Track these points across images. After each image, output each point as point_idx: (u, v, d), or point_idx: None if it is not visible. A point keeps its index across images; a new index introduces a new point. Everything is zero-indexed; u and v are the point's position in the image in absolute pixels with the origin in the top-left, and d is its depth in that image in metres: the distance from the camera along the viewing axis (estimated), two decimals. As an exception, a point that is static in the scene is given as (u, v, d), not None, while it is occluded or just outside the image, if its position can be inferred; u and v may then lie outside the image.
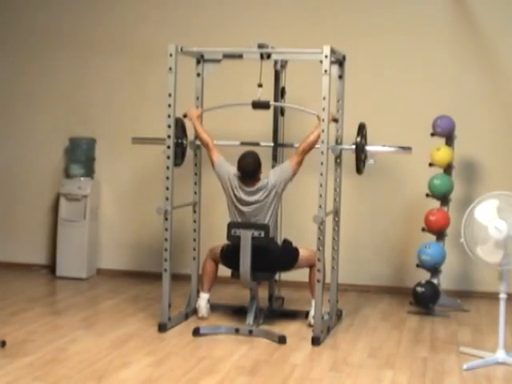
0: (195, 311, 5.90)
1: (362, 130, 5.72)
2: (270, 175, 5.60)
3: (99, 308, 6.38)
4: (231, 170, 5.61)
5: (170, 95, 5.50)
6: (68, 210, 7.36)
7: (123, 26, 7.44)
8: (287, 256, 5.65)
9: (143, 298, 6.50)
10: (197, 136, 5.81)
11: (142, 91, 7.37)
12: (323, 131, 5.30)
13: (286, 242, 5.73)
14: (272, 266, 5.63)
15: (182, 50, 5.56)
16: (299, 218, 6.44)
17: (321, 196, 5.31)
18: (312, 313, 5.51)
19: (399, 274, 6.94)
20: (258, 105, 5.72)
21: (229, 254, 5.63)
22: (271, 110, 6.01)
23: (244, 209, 5.55)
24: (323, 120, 5.30)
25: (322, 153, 5.30)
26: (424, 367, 4.84)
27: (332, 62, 5.42)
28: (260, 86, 5.69)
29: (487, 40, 6.79)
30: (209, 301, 5.85)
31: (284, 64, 6.03)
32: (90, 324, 5.72)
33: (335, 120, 5.70)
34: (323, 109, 5.29)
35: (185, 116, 5.79)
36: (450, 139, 6.41)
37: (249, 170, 5.54)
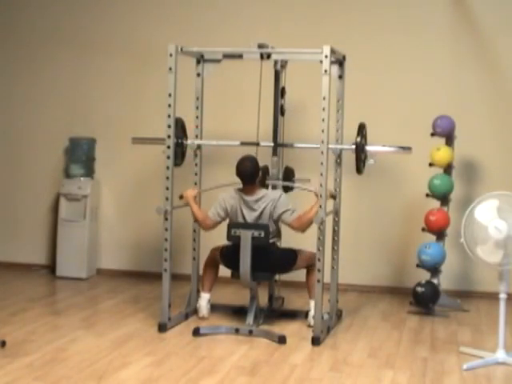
0: (195, 311, 5.90)
1: (362, 130, 5.72)
2: (273, 193, 5.61)
3: (99, 308, 6.38)
4: (226, 197, 5.62)
5: (170, 95, 5.50)
6: (68, 209, 7.36)
7: (123, 26, 7.44)
8: (286, 258, 5.66)
9: (143, 298, 6.51)
10: (193, 216, 5.74)
11: (142, 91, 7.37)
12: (323, 131, 5.29)
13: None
14: (271, 267, 5.64)
15: (182, 50, 5.56)
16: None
17: (321, 196, 5.31)
18: (312, 313, 5.52)
19: (399, 274, 6.94)
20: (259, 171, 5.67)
21: (229, 255, 5.63)
22: (271, 110, 6.01)
23: (246, 218, 5.57)
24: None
25: (322, 153, 5.30)
26: (424, 367, 4.84)
27: (332, 62, 5.42)
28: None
29: (487, 40, 6.79)
30: (209, 301, 5.86)
31: (284, 64, 6.02)
32: (90, 324, 5.72)
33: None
34: (323, 109, 5.29)
35: (181, 197, 5.74)
36: (450, 139, 6.41)
37: (248, 172, 5.55)
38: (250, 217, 5.57)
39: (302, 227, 5.51)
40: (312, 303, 5.51)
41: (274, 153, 6.12)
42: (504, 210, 4.85)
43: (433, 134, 6.36)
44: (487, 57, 6.82)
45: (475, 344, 5.33)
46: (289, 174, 6.04)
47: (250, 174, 5.55)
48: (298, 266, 5.70)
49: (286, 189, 5.98)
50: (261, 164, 5.73)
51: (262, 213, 5.55)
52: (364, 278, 7.01)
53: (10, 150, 7.74)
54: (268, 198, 5.56)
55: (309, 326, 5.57)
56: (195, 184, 5.94)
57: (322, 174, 5.28)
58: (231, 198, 5.62)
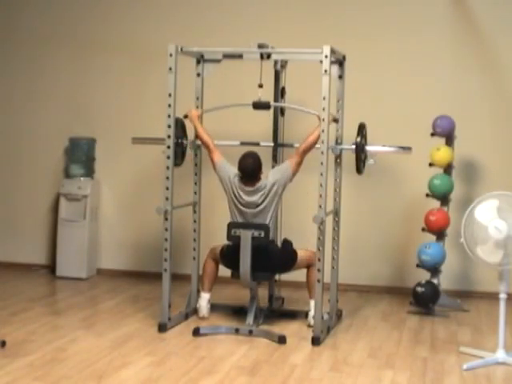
0: (195, 311, 5.90)
1: (362, 130, 5.72)
2: (270, 175, 5.60)
3: (99, 308, 6.38)
4: (232, 170, 5.60)
5: (169, 95, 5.50)
6: (68, 209, 7.36)
7: (123, 26, 7.44)
8: (286, 258, 5.66)
9: (143, 298, 6.51)
10: (197, 136, 5.81)
11: (142, 91, 7.37)
12: (323, 131, 5.31)
13: (286, 243, 5.73)
14: (271, 267, 5.64)
15: (182, 50, 5.56)
16: (299, 218, 6.44)
17: (321, 196, 5.31)
18: (312, 313, 5.52)
19: (399, 274, 6.94)
20: (259, 105, 5.72)
21: (229, 254, 5.63)
22: (271, 110, 6.01)
23: (245, 209, 5.55)
24: (323, 120, 5.30)
25: (322, 153, 5.30)
26: (424, 367, 4.84)
27: (332, 62, 5.42)
28: (260, 86, 5.69)
29: (487, 40, 6.79)
30: (209, 301, 5.85)
31: (284, 64, 6.03)
32: (90, 324, 5.72)
33: (335, 120, 5.70)
34: (323, 109, 5.29)
35: (185, 116, 5.79)
36: (450, 139, 6.41)
37: (249, 170, 5.54)
38: (249, 199, 5.53)
39: (307, 147, 5.52)
40: (312, 303, 5.51)
41: (274, 154, 6.12)
42: (504, 209, 4.85)
43: (433, 134, 6.36)
44: (487, 57, 6.82)
45: (475, 344, 5.33)
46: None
47: (252, 171, 5.55)
48: (298, 265, 5.70)
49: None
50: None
51: (264, 197, 5.52)
52: (364, 277, 7.01)
53: (10, 149, 7.74)
54: (266, 185, 5.53)
55: (309, 325, 5.57)
56: (197, 107, 5.90)
57: (322, 174, 5.28)
58: (232, 174, 5.59)
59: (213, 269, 5.87)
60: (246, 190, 5.55)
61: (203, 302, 5.82)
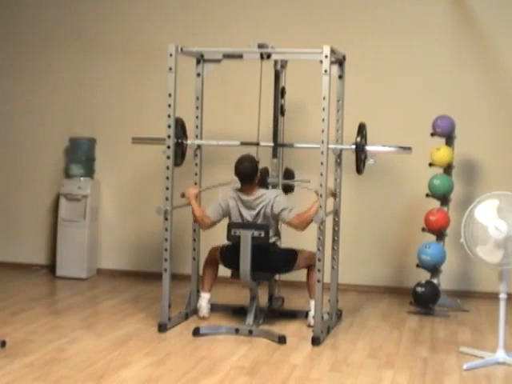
0: (195, 311, 5.90)
1: (362, 130, 5.72)
2: (274, 196, 5.58)
3: (99, 308, 6.38)
4: (226, 195, 5.60)
5: (169, 95, 5.50)
6: (68, 209, 7.36)
7: (123, 26, 7.45)
8: (286, 258, 5.66)
9: (143, 298, 6.51)
10: (193, 215, 5.70)
11: (142, 91, 7.37)
12: (323, 131, 5.29)
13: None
14: (271, 267, 5.64)
15: (182, 50, 5.56)
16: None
17: (321, 196, 5.31)
18: (312, 313, 5.52)
19: (399, 274, 6.95)
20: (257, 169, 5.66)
21: (228, 255, 5.63)
22: (271, 110, 6.01)
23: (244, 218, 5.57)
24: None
25: (322, 153, 5.30)
26: (424, 367, 4.84)
27: (332, 62, 5.42)
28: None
29: (487, 40, 6.80)
30: (209, 301, 5.85)
31: (284, 64, 6.02)
32: (90, 324, 5.72)
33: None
34: (323, 109, 5.29)
35: (182, 196, 5.73)
36: (449, 139, 6.41)
37: (246, 172, 5.55)
38: (248, 215, 5.57)
39: (301, 225, 5.50)
40: (312, 303, 5.51)
41: (274, 154, 6.12)
42: (504, 209, 4.85)
43: (433, 134, 6.36)
44: (487, 57, 6.82)
45: (475, 344, 5.33)
46: (289, 176, 6.03)
47: (249, 174, 5.55)
48: (298, 265, 5.70)
49: (287, 189, 5.98)
50: (261, 166, 5.73)
51: (259, 212, 5.55)
52: (364, 277, 7.01)
53: (10, 149, 7.74)
54: (266, 198, 5.56)
55: (309, 325, 5.57)
56: (195, 184, 5.94)
57: (322, 174, 5.28)
58: (230, 198, 5.62)
59: (213, 269, 5.87)
60: (244, 201, 5.54)
61: (203, 302, 5.82)
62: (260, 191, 5.61)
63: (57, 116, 7.61)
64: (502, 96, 6.79)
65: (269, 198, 5.56)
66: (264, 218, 5.56)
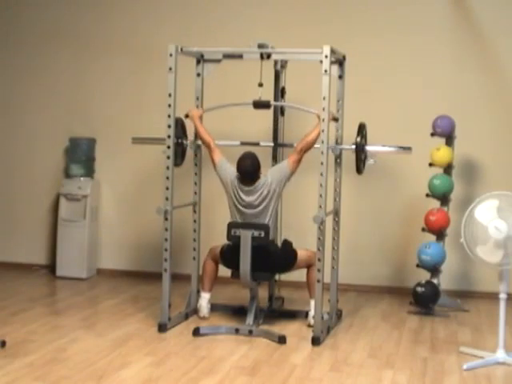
0: (195, 311, 5.90)
1: (362, 129, 5.72)
2: (268, 174, 5.59)
3: (99, 308, 6.38)
4: (232, 171, 5.60)
5: (169, 95, 5.50)
6: (68, 209, 7.36)
7: (123, 26, 7.45)
8: (286, 258, 5.65)
9: (143, 298, 6.51)
10: (198, 136, 5.81)
11: (142, 91, 7.37)
12: (323, 131, 5.31)
13: (286, 243, 5.72)
14: (271, 267, 5.63)
15: (182, 50, 5.56)
16: (299, 218, 6.44)
17: (321, 196, 5.31)
18: (312, 313, 5.52)
19: (399, 274, 6.95)
20: (259, 104, 5.73)
21: (228, 255, 5.63)
22: (271, 110, 6.01)
23: (244, 210, 5.55)
24: (323, 119, 5.30)
25: (322, 153, 5.30)
26: (424, 367, 4.84)
27: (332, 62, 5.42)
28: (260, 85, 5.69)
29: (487, 40, 6.79)
30: (209, 301, 5.85)
31: (284, 64, 6.03)
32: (90, 324, 5.72)
33: (335, 119, 5.70)
34: (323, 109, 5.30)
35: (186, 116, 5.79)
36: (449, 139, 6.41)
37: (248, 170, 5.54)
38: (248, 199, 5.53)
39: (303, 151, 5.51)
40: (312, 303, 5.51)
41: (274, 155, 6.12)
42: (504, 209, 4.85)
43: (433, 134, 6.36)
44: (487, 57, 6.82)
45: (475, 344, 5.33)
46: None
47: (251, 172, 5.54)
48: (298, 265, 5.70)
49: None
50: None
51: (260, 194, 5.50)
52: (364, 277, 7.01)
53: (10, 149, 7.74)
54: (262, 179, 5.53)
55: (309, 325, 5.57)
56: (197, 107, 5.90)
57: (322, 174, 5.28)
58: (231, 176, 5.57)
59: (213, 269, 5.87)
60: (245, 190, 5.54)
61: (203, 302, 5.82)
62: (260, 179, 5.58)
63: (57, 116, 7.61)
64: (502, 96, 6.79)
65: (264, 178, 5.54)
66: (265, 199, 5.53)
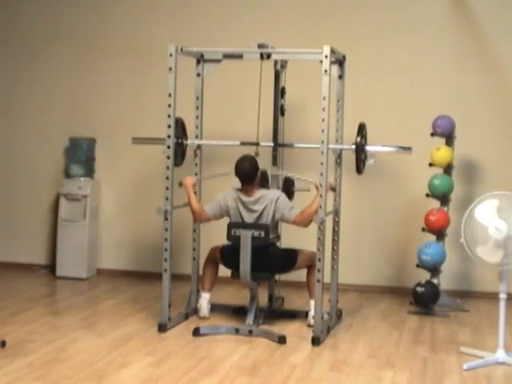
0: (195, 311, 5.90)
1: (362, 130, 5.72)
2: (272, 193, 5.60)
3: (99, 308, 6.38)
4: (227, 195, 5.61)
5: (169, 95, 5.50)
6: (68, 209, 7.36)
7: (123, 26, 7.45)
8: (286, 258, 5.66)
9: (143, 298, 6.51)
10: (188, 204, 5.69)
11: (142, 91, 7.37)
12: (323, 131, 5.30)
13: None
14: (271, 267, 5.64)
15: (182, 50, 5.56)
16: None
17: (321, 196, 5.31)
18: (312, 313, 5.52)
19: (399, 274, 6.95)
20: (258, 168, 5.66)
21: (228, 254, 5.63)
22: (271, 110, 6.01)
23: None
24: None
25: (322, 153, 5.30)
26: (424, 367, 4.84)
27: (332, 62, 5.42)
28: (256, 155, 5.70)
29: (487, 40, 6.80)
30: (209, 301, 5.85)
31: (284, 64, 6.02)
32: (90, 324, 5.73)
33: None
34: (323, 109, 5.29)
35: (180, 184, 5.72)
36: (449, 139, 6.41)
37: (247, 172, 5.54)
38: (249, 219, 5.57)
39: (304, 221, 5.49)
40: (312, 303, 5.51)
41: (274, 155, 6.11)
42: (504, 209, 4.85)
43: (433, 134, 6.36)
44: (487, 57, 6.82)
45: (475, 344, 5.33)
46: (288, 185, 5.98)
47: (250, 174, 5.55)
48: (298, 266, 5.70)
49: (288, 194, 5.90)
50: (261, 167, 5.73)
51: (261, 214, 5.55)
52: (364, 277, 7.01)
53: (10, 149, 7.74)
54: (267, 199, 5.56)
55: (309, 325, 5.57)
56: (196, 174, 5.92)
57: (322, 174, 5.28)
58: (230, 198, 5.62)
59: (213, 269, 5.87)
60: (246, 203, 5.54)
61: (204, 302, 5.82)
62: (261, 191, 5.61)
63: (57, 116, 7.61)
64: (501, 96, 6.79)
65: (269, 198, 5.55)
66: (266, 221, 5.55)
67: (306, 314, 5.71)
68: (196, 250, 6.03)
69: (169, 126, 5.52)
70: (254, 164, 5.58)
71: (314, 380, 4.58)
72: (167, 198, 5.51)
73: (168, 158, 5.52)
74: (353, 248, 6.85)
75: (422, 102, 6.81)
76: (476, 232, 4.89)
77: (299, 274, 5.85)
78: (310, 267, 5.61)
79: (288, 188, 5.94)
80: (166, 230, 5.52)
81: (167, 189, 5.51)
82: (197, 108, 5.93)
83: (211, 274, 5.86)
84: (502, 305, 4.95)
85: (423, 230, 6.34)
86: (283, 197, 5.62)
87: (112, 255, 7.54)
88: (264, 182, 5.85)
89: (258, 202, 5.56)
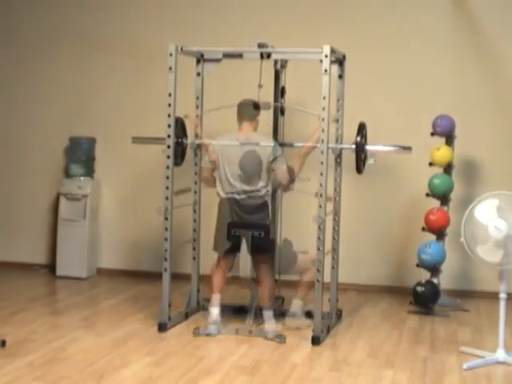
0: (195, 311, 5.91)
1: (361, 129, 5.72)
2: (266, 139, 5.63)
3: (99, 308, 6.38)
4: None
5: (169, 95, 5.50)
6: (68, 209, 7.36)
7: (123, 26, 7.45)
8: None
9: (143, 298, 6.51)
10: (207, 152, 5.71)
11: (142, 91, 7.37)
12: (323, 130, 5.30)
13: (286, 243, 5.72)
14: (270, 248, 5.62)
15: (182, 49, 5.57)
16: (299, 218, 6.43)
17: (321, 196, 5.31)
18: (292, 310, 5.53)
19: (399, 274, 6.95)
20: (259, 106, 5.72)
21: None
22: (271, 110, 6.01)
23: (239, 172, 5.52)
24: (323, 119, 5.29)
25: (322, 152, 5.30)
26: (424, 367, 4.84)
27: (332, 62, 5.42)
28: (260, 86, 5.69)
29: (487, 40, 6.80)
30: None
31: (284, 64, 6.02)
32: (90, 324, 5.73)
33: (336, 121, 5.70)
34: (323, 108, 5.29)
35: (185, 116, 5.75)
36: (449, 139, 6.42)
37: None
38: (239, 157, 5.50)
39: (305, 156, 5.55)
40: (295, 302, 5.52)
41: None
42: (504, 209, 4.85)
43: (433, 134, 6.36)
44: (487, 57, 6.82)
45: (475, 344, 5.33)
46: (287, 245, 5.91)
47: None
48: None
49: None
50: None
51: (254, 157, 5.50)
52: (364, 277, 7.01)
53: (10, 149, 7.75)
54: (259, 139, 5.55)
55: (288, 325, 5.51)
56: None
57: (322, 174, 5.28)
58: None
59: (222, 279, 5.63)
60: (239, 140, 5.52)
61: (215, 316, 5.52)
62: (257, 133, 5.60)
63: (57, 116, 7.61)
64: (501, 96, 6.79)
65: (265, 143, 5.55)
66: (257, 163, 5.50)
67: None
68: (196, 249, 6.04)
69: (169, 126, 5.52)
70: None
71: (314, 380, 4.58)
72: (167, 198, 5.51)
73: (168, 157, 5.52)
74: (353, 248, 6.85)
75: (422, 102, 6.81)
76: (476, 231, 4.89)
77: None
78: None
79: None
80: (166, 229, 5.52)
81: (167, 188, 5.51)
82: (197, 108, 5.93)
83: (220, 284, 5.60)
84: (502, 304, 4.95)
85: (423, 229, 6.34)
86: (276, 145, 5.64)
87: (112, 255, 7.54)
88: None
89: (251, 140, 5.54)
